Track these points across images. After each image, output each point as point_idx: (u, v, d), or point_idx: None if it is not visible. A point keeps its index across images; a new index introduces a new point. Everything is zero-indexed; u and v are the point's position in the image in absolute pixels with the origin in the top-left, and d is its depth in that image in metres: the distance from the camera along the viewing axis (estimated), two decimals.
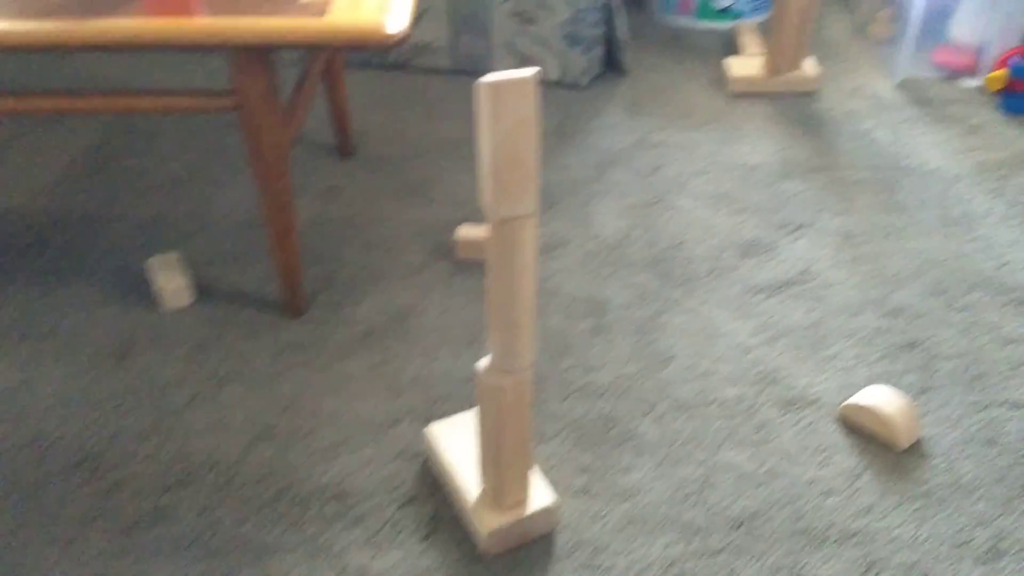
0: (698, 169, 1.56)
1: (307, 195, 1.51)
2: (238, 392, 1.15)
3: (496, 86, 0.69)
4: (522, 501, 0.96)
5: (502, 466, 0.92)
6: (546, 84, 1.80)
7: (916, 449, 1.07)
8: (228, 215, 1.46)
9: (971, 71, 1.82)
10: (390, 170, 1.57)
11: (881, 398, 1.07)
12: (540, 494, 0.97)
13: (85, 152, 1.61)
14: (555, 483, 1.03)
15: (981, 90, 1.78)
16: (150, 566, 0.95)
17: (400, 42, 1.04)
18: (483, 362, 0.88)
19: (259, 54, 1.08)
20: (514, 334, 0.83)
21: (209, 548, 0.96)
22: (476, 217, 1.45)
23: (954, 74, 1.83)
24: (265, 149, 1.13)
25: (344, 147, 1.61)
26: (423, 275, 1.34)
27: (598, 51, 1.78)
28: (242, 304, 1.29)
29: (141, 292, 1.31)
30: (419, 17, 1.80)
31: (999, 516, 0.99)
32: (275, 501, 1.01)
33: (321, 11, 1.04)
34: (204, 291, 1.31)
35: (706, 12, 2.01)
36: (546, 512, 0.96)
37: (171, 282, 1.28)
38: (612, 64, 1.85)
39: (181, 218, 1.46)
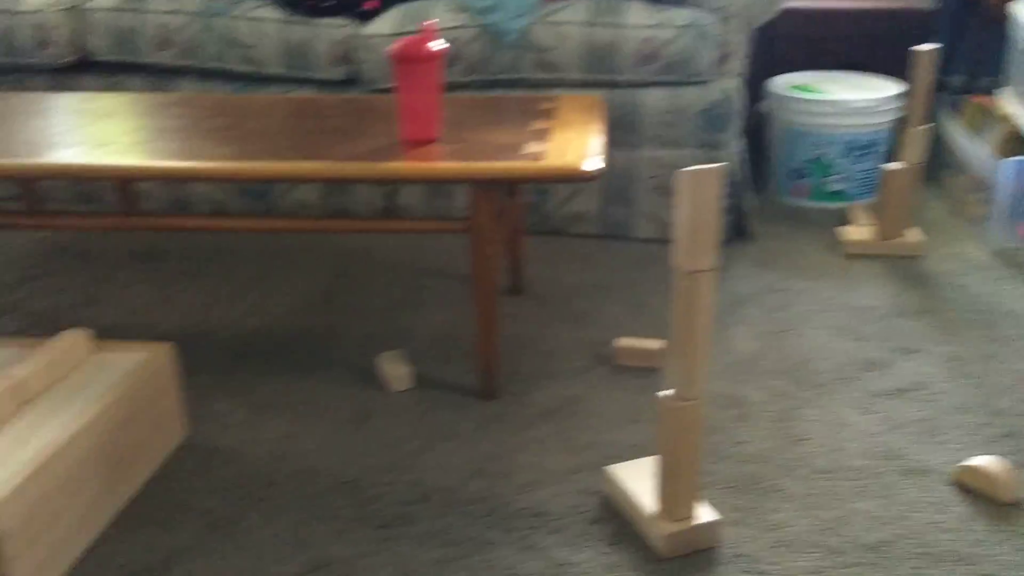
0: (820, 308, 1.85)
1: None
2: (453, 446, 1.45)
3: (693, 173, 1.03)
4: (691, 516, 1.20)
5: (678, 479, 1.17)
6: None
7: (1019, 504, 1.27)
8: (429, 331, 1.82)
9: None
10: (554, 304, 1.92)
11: (987, 462, 1.29)
12: (705, 512, 1.21)
13: (327, 281, 2.02)
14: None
15: None
16: (403, 548, 1.22)
17: (594, 177, 1.41)
18: (664, 392, 1.16)
19: (492, 189, 1.46)
20: (692, 366, 1.12)
21: (445, 540, 1.23)
22: (630, 335, 1.76)
23: None
24: (486, 260, 1.50)
25: (516, 287, 1.98)
26: (588, 375, 1.64)
27: (729, 219, 2.14)
28: (448, 390, 1.61)
29: (370, 380, 1.65)
30: (575, 194, 2.21)
31: None
32: (490, 515, 1.28)
33: (539, 158, 1.43)
34: (419, 380, 1.64)
35: (819, 194, 2.36)
36: (712, 525, 1.20)
37: (396, 370, 1.62)
38: (739, 231, 2.20)
39: (396, 332, 1.82)
